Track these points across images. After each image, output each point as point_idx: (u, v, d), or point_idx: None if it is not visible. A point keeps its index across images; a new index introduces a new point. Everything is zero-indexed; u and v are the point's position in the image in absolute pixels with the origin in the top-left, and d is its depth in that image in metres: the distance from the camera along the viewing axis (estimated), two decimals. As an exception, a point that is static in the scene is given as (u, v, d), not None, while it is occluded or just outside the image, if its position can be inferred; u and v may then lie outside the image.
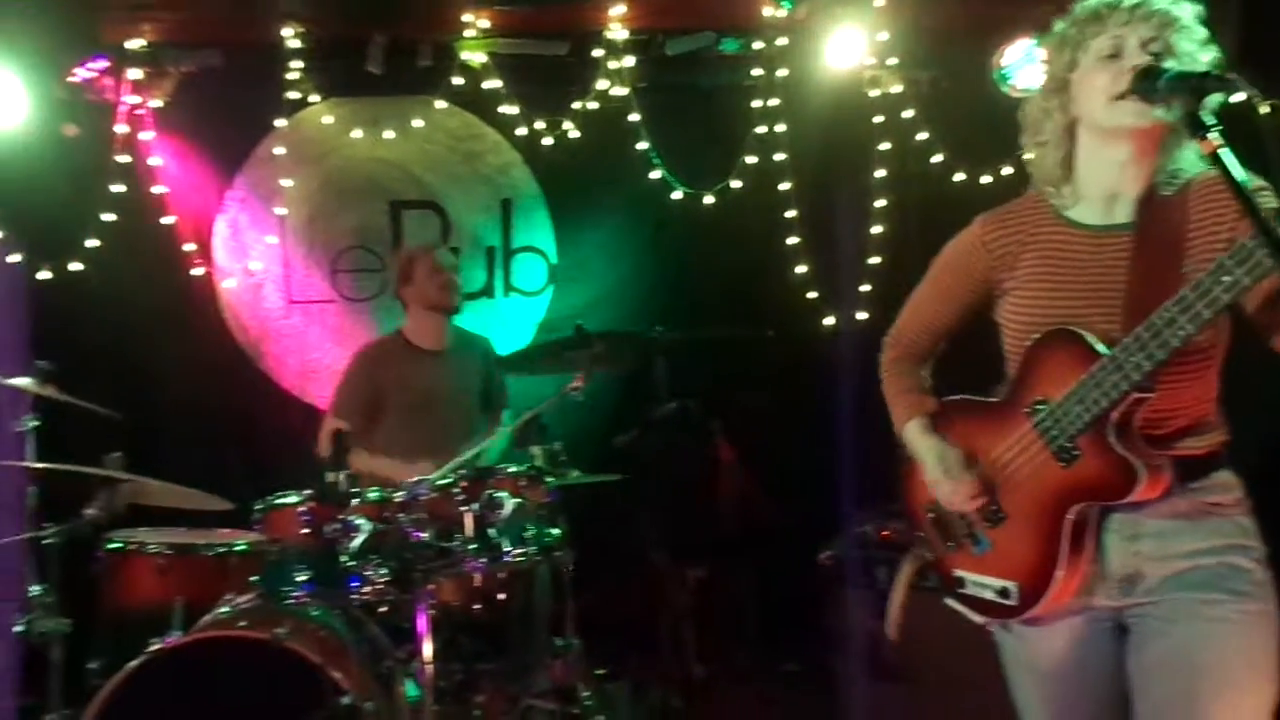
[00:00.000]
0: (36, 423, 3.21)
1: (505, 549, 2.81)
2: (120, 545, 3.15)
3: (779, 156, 4.30)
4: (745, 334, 4.00)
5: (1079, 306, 1.68)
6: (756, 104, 4.30)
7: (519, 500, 2.84)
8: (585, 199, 4.53)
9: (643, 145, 4.29)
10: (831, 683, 3.40)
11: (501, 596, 3.24)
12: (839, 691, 3.33)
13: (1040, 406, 1.68)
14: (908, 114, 4.25)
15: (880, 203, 4.33)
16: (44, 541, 3.12)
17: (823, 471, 3.66)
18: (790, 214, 4.33)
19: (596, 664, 3.46)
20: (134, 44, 4.02)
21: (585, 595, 3.31)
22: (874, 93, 4.27)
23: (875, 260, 4.32)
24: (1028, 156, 1.81)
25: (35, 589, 3.15)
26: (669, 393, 3.69)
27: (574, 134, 4.26)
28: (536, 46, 4.25)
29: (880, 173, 4.31)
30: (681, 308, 4.27)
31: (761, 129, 4.30)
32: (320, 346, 4.46)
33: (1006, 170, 4.00)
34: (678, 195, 4.36)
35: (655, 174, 4.32)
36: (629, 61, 4.19)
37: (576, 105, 4.23)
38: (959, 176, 4.22)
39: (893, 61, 4.18)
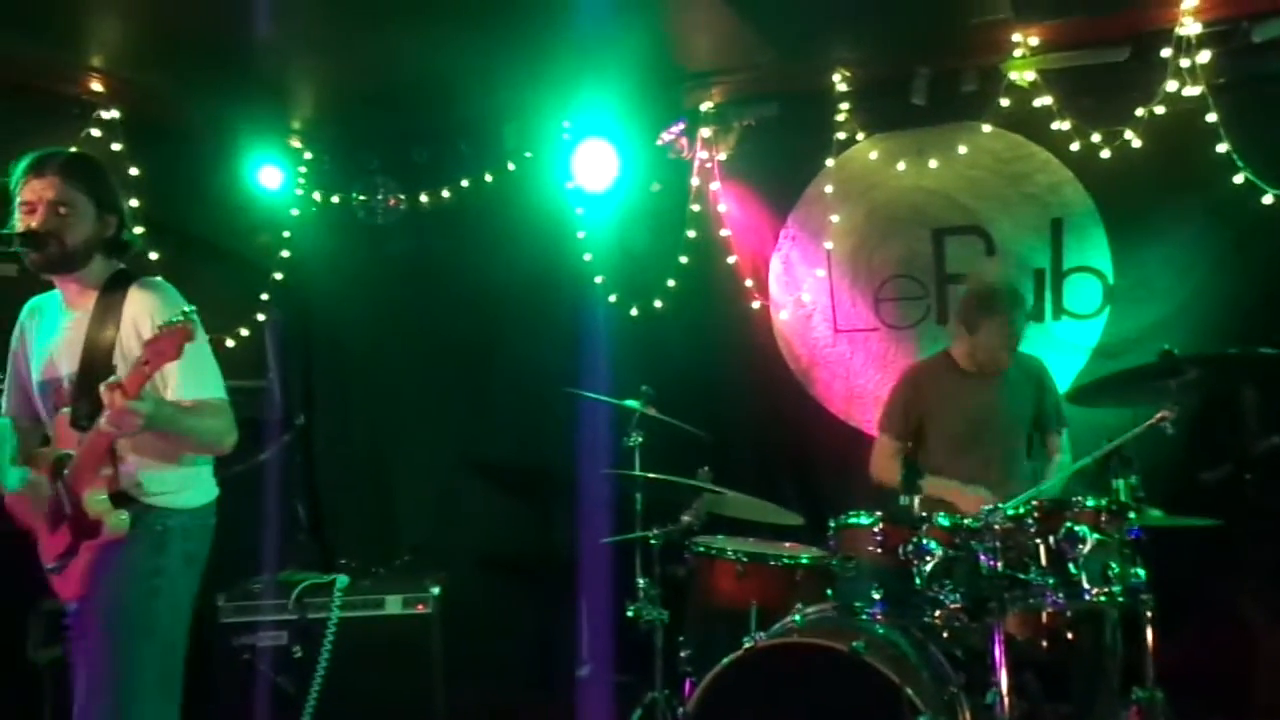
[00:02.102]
0: (640, 439, 3.78)
1: (1085, 586, 2.68)
2: (704, 549, 3.56)
3: None
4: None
5: None
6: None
7: (1101, 536, 2.69)
8: (1149, 212, 4.15)
9: (1222, 147, 3.84)
10: None
11: (1070, 635, 3.09)
12: None
13: None
14: None
15: None
16: (650, 541, 3.64)
17: None
18: None
19: (1179, 722, 3.13)
20: (705, 105, 4.56)
21: (1166, 645, 3.02)
22: None
23: None
24: None
25: (641, 581, 3.69)
26: (1264, 424, 3.25)
27: (1136, 144, 3.95)
28: (1092, 56, 4.02)
29: None
30: (1275, 328, 3.72)
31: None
32: (864, 373, 4.63)
33: None
34: (1268, 200, 3.82)
35: (1238, 178, 3.84)
36: (1204, 57, 3.79)
37: (1140, 112, 3.92)
38: None
39: None
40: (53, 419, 2.63)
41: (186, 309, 2.36)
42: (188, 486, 2.66)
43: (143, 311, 2.54)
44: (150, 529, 2.56)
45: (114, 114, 4.23)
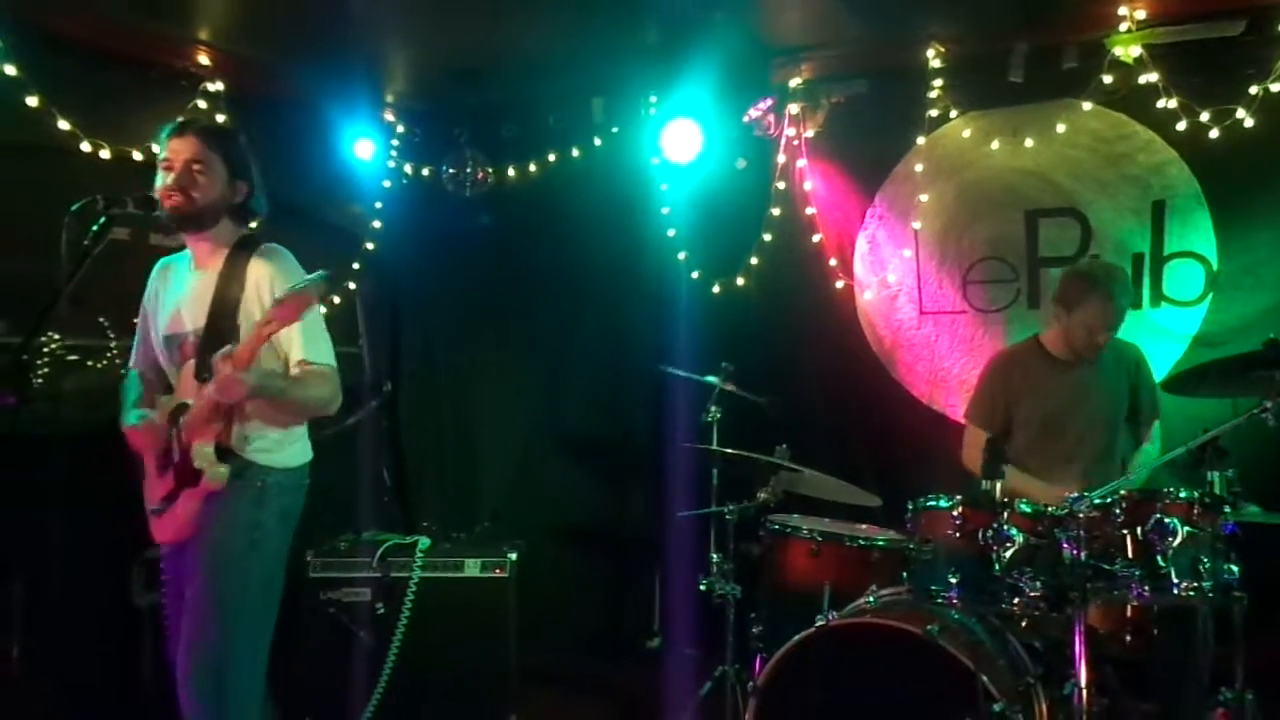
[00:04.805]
0: (719, 414, 3.78)
1: (1174, 580, 2.59)
2: (778, 527, 3.56)
3: None
4: None
5: None
6: None
7: (1192, 529, 2.59)
8: (1260, 195, 3.95)
9: (1345, 127, 3.65)
10: None
11: (1155, 630, 3.01)
12: None
13: None
14: None
15: None
16: (726, 517, 3.65)
17: None
18: None
19: (1270, 725, 3.02)
20: (794, 82, 4.51)
21: (1259, 646, 2.91)
22: None
23: None
24: None
25: (715, 556, 3.71)
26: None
27: (1248, 123, 3.78)
28: (1204, 30, 3.83)
29: None
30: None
31: None
32: (950, 356, 4.54)
33: None
34: (1395, 183, 3.63)
35: (1363, 159, 3.66)
36: (1328, 32, 3.60)
37: (1254, 90, 3.74)
38: None
39: None
40: (178, 370, 2.77)
41: (318, 274, 2.47)
42: (287, 445, 2.76)
43: (265, 276, 2.66)
44: (251, 484, 2.67)
45: (219, 86, 4.37)
